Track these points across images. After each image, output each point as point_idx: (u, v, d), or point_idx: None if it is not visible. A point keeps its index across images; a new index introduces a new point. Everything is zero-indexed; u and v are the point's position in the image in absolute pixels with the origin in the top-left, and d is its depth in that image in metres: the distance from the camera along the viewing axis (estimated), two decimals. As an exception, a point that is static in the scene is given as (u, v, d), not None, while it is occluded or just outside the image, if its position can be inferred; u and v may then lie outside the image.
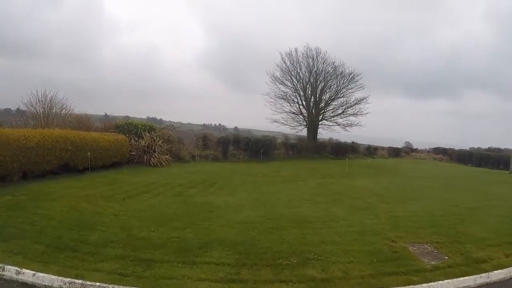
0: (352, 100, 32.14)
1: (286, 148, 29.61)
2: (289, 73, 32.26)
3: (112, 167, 15.41)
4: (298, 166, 22.69)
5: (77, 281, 4.27)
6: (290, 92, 32.69)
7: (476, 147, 49.62)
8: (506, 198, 13.03)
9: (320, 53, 31.59)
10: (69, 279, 4.30)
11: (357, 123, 32.13)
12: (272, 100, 32.34)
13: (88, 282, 4.24)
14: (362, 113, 31.81)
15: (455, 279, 4.95)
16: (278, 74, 32.44)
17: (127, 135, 17.65)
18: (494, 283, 5.13)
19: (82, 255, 5.06)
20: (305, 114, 32.94)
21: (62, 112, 17.13)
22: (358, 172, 20.62)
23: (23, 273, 4.39)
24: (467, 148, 46.61)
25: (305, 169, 21.00)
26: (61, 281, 4.27)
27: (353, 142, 36.17)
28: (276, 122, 32.55)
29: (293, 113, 32.92)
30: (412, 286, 4.67)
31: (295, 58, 31.91)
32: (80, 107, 21.47)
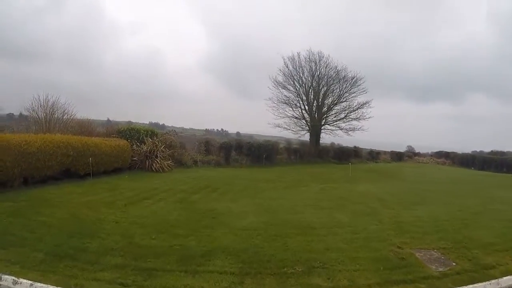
0: (354, 104, 32.26)
1: (288, 153, 29.53)
2: (291, 77, 32.37)
3: (113, 173, 15.31)
4: (301, 171, 22.59)
5: (76, 291, 4.17)
6: (293, 96, 32.82)
7: (478, 150, 49.45)
8: (511, 202, 12.85)
9: (323, 57, 31.73)
10: (67, 289, 4.19)
11: (360, 128, 32.17)
12: (275, 105, 32.47)
13: (87, 292, 4.14)
14: (364, 118, 31.85)
15: (464, 287, 4.81)
16: (280, 78, 32.59)
17: (129, 140, 17.59)
18: (504, 290, 4.99)
19: (82, 264, 4.95)
20: (307, 119, 32.92)
21: (64, 117, 17.17)
22: (361, 176, 20.48)
23: (21, 283, 4.27)
24: (470, 152, 46.41)
25: (308, 174, 20.89)
26: (59, 291, 4.16)
27: (355, 147, 36.14)
28: (279, 127, 32.62)
29: (296, 117, 32.98)
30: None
31: (297, 63, 32.04)
32: (82, 112, 21.47)
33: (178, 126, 50.88)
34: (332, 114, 33.15)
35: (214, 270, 4.98)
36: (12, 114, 25.26)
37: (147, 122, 46.40)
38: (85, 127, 17.46)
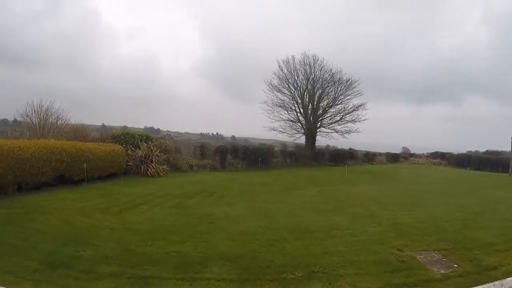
0: (349, 106, 32.31)
1: (284, 156, 29.48)
2: (286, 80, 32.39)
3: (108, 178, 15.15)
4: (297, 174, 22.52)
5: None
6: (288, 100, 32.84)
7: (473, 150, 49.65)
8: (508, 201, 12.91)
9: (317, 60, 31.80)
10: (61, 300, 4.06)
11: (355, 130, 32.23)
12: (270, 108, 32.46)
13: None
14: (360, 120, 31.91)
15: (467, 290, 4.74)
16: (275, 82, 32.59)
17: (124, 145, 17.46)
18: (508, 291, 4.92)
19: (76, 273, 4.80)
20: (303, 122, 32.95)
21: (58, 122, 17.01)
22: (358, 178, 20.46)
23: (13, 293, 4.15)
24: (465, 152, 46.59)
25: (304, 177, 20.83)
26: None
27: (350, 149, 36.12)
28: (274, 130, 32.60)
29: (291, 121, 33.01)
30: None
31: (292, 66, 32.08)
32: (78, 116, 21.38)
33: (173, 130, 50.75)
34: (327, 117, 33.25)
35: (212, 277, 4.86)
36: (7, 119, 25.07)
37: (142, 127, 46.07)
38: (79, 132, 17.29)
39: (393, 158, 40.35)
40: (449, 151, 44.22)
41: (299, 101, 32.70)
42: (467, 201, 12.57)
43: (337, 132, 32.72)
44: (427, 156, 44.65)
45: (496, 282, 4.98)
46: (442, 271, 5.36)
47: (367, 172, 25.78)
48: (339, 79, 31.88)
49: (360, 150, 38.32)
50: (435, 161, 41.37)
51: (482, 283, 4.90)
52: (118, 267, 5.08)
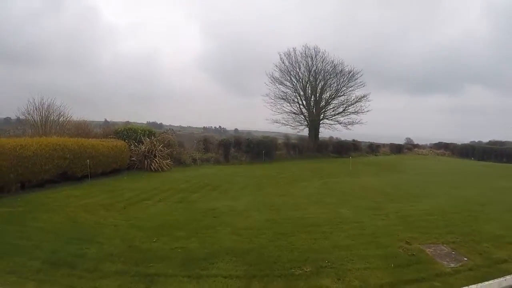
0: (352, 98, 32.01)
1: (287, 148, 29.36)
2: (288, 73, 32.14)
3: (112, 174, 15.11)
4: (301, 166, 22.41)
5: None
6: (290, 92, 32.61)
7: (477, 141, 49.23)
8: (515, 192, 12.72)
9: (319, 52, 31.50)
10: (65, 300, 3.98)
11: (359, 121, 31.96)
12: (272, 100, 32.27)
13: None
14: (363, 111, 31.60)
15: (479, 284, 4.61)
16: (277, 74, 32.37)
17: (126, 140, 17.37)
18: (520, 285, 4.81)
19: (80, 271, 4.72)
20: (305, 114, 32.75)
21: (60, 119, 16.92)
22: (362, 170, 20.35)
23: (17, 294, 4.08)
24: (468, 142, 46.21)
25: (308, 169, 20.72)
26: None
27: (354, 140, 35.92)
28: (277, 122, 32.43)
29: (294, 113, 32.79)
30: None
31: (293, 58, 31.82)
32: (80, 113, 21.20)
33: (176, 124, 50.69)
34: (330, 109, 32.98)
35: (219, 274, 4.77)
36: (9, 118, 25.08)
37: (145, 122, 46.05)
38: (81, 129, 17.20)
39: (396, 149, 40.06)
40: (453, 142, 43.84)
41: (302, 93, 32.47)
42: (472, 191, 12.45)
43: (340, 123, 32.54)
44: (431, 147, 44.28)
45: (508, 277, 4.84)
46: (452, 265, 5.25)
47: (371, 164, 25.63)
48: (341, 70, 31.62)
49: (364, 142, 38.13)
50: (438, 151, 41.04)
51: (493, 277, 4.79)
52: (123, 265, 5.01)
